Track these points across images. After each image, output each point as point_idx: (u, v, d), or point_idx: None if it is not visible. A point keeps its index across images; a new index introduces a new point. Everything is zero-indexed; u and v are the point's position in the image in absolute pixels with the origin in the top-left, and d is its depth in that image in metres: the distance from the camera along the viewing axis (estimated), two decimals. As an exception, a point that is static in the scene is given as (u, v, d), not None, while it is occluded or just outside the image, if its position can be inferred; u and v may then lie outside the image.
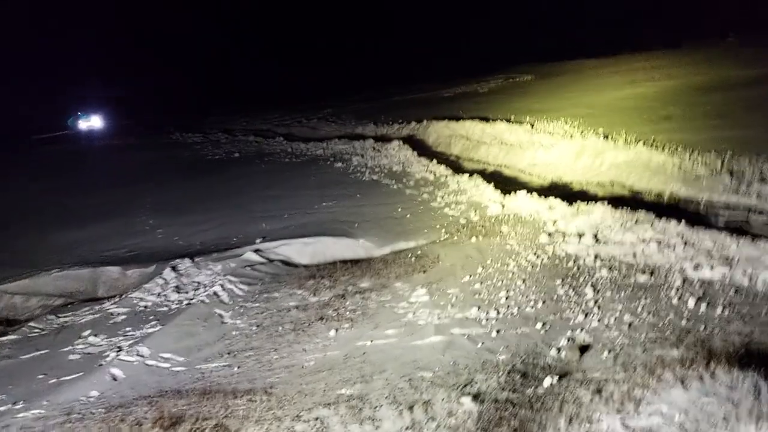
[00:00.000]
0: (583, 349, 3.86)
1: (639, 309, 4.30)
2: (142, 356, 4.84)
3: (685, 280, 4.67)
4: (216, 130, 23.44)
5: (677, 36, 29.39)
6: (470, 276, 5.57)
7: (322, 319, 5.19)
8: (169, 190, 12.15)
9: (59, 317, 6.44)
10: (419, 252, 6.70)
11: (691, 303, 4.24)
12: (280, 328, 5.16)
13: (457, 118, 14.98)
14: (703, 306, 4.15)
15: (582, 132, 11.39)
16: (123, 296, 6.64)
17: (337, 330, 4.89)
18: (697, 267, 4.77)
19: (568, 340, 4.02)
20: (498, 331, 4.34)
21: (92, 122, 39.22)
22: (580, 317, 4.34)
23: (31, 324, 6.28)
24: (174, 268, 6.94)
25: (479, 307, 4.81)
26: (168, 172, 14.34)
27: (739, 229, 5.95)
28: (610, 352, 3.76)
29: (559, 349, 3.92)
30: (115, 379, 4.55)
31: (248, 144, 17.90)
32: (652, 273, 4.92)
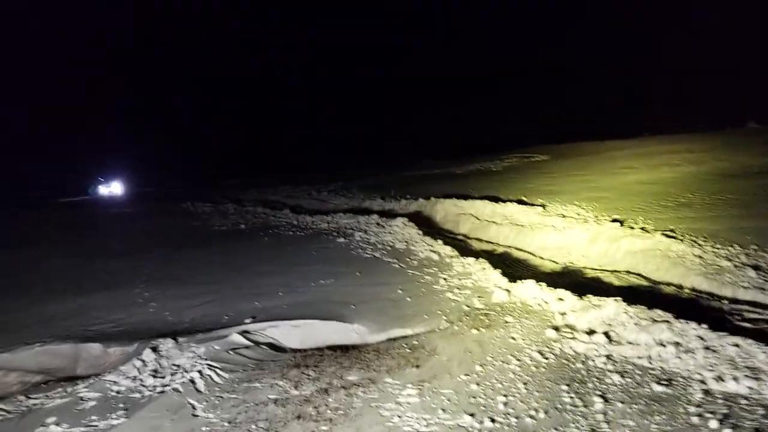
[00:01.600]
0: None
1: (653, 427, 3.77)
2: (96, 454, 4.35)
3: (706, 393, 4.14)
4: (227, 200, 23.37)
5: (697, 120, 29.40)
6: (467, 374, 5.06)
7: (299, 417, 4.69)
8: (170, 262, 11.81)
9: (29, 398, 5.99)
10: (415, 342, 6.21)
11: (714, 424, 3.71)
12: (253, 426, 4.65)
13: (466, 197, 14.69)
14: (726, 430, 3.61)
15: (597, 216, 11.01)
16: (97, 378, 6.17)
17: (313, 433, 4.38)
18: (719, 378, 4.24)
19: (571, 465, 3.49)
20: (492, 447, 3.82)
21: (112, 188, 39.68)
22: (586, 434, 3.81)
23: (-2, 405, 5.81)
24: (155, 349, 6.49)
25: (473, 415, 4.29)
26: (172, 243, 14.05)
27: (766, 334, 5.43)
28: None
29: (559, 477, 3.39)
30: (60, 481, 4.05)
31: (256, 215, 17.67)
32: (669, 382, 4.39)
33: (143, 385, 5.71)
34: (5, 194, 35.84)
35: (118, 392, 5.63)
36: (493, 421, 4.17)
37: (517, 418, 4.18)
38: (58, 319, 8.55)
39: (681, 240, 8.56)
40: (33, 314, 8.93)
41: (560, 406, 4.26)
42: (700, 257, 7.79)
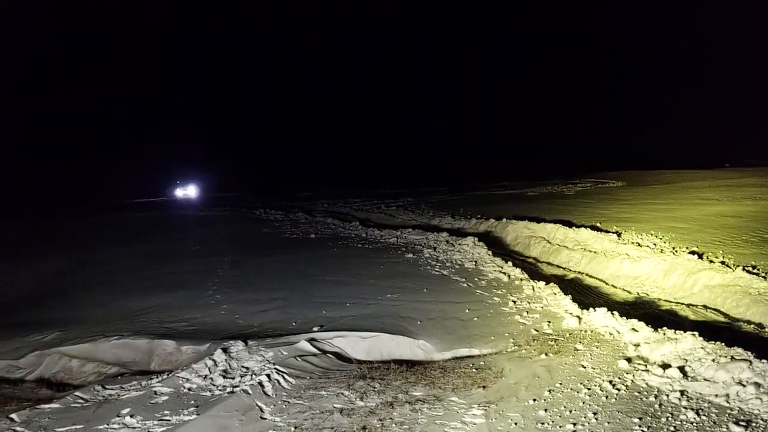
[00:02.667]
0: None
1: (731, 470, 3.62)
2: (169, 448, 4.52)
3: (789, 438, 3.95)
4: (298, 210, 23.84)
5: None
6: (535, 399, 4.99)
7: (364, 429, 4.73)
8: (241, 266, 12.14)
9: (106, 388, 6.24)
10: (482, 362, 6.17)
11: (798, 472, 3.53)
12: (319, 433, 4.73)
13: (539, 219, 14.50)
14: (812, 479, 3.44)
15: (674, 247, 10.68)
16: (171, 374, 6.40)
17: (378, 445, 4.42)
18: (805, 424, 4.04)
19: (642, 501, 3.39)
20: (559, 475, 3.76)
21: (188, 191, 41.01)
22: (659, 471, 3.70)
23: (77, 393, 6.09)
24: (226, 350, 6.69)
25: (541, 440, 4.23)
26: (244, 248, 14.44)
27: None
28: None
29: None
30: (135, 470, 4.23)
31: (326, 226, 17.96)
32: (747, 424, 4.21)
33: (213, 384, 5.89)
34: (91, 194, 37.69)
35: (189, 389, 5.82)
36: (561, 448, 4.10)
37: (586, 447, 4.10)
38: (135, 315, 8.93)
39: (764, 277, 8.20)
40: (113, 309, 9.37)
41: (631, 440, 4.15)
42: (785, 296, 7.44)
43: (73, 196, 38.06)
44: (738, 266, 8.87)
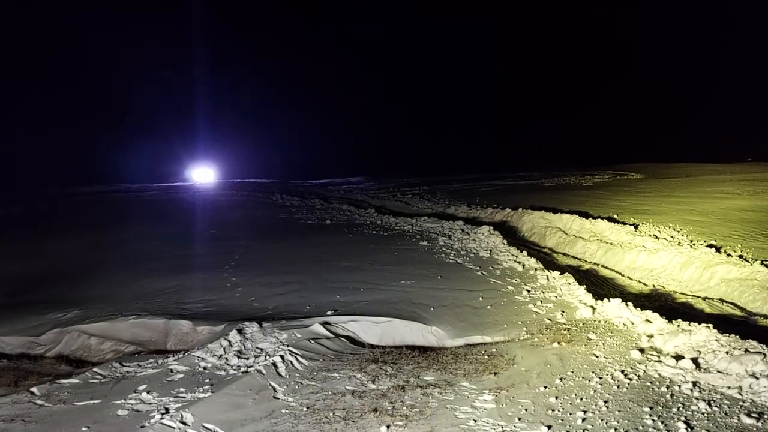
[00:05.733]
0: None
1: (741, 460, 3.63)
2: (184, 423, 4.60)
3: (801, 431, 3.94)
4: (314, 196, 23.92)
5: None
6: (546, 387, 5.01)
7: (376, 411, 4.78)
8: (257, 250, 12.23)
9: (123, 365, 6.36)
10: (494, 349, 6.20)
11: (808, 464, 3.53)
12: (331, 414, 4.78)
13: (555, 210, 14.44)
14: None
15: (691, 240, 10.59)
16: (187, 353, 6.49)
17: (388, 427, 4.46)
18: (817, 417, 4.02)
19: (650, 487, 3.41)
20: (567, 460, 3.78)
21: (205, 175, 41.14)
22: (668, 459, 3.71)
23: (95, 369, 6.21)
24: (240, 331, 6.77)
25: (550, 427, 4.25)
26: (260, 232, 14.53)
27: None
28: None
29: (637, 498, 3.32)
30: (151, 445, 4.32)
31: (341, 212, 18.01)
32: (759, 416, 4.20)
33: (228, 364, 5.97)
34: (109, 177, 37.83)
35: (204, 368, 5.91)
36: (570, 435, 4.12)
37: (595, 434, 4.12)
38: (152, 296, 9.06)
39: (783, 272, 8.12)
40: (131, 290, 9.51)
41: (641, 428, 4.15)
42: (803, 291, 7.38)
43: (77, 177, 37.50)
44: (756, 260, 8.78)
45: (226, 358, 6.13)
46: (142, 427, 4.55)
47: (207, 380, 5.57)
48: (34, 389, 5.49)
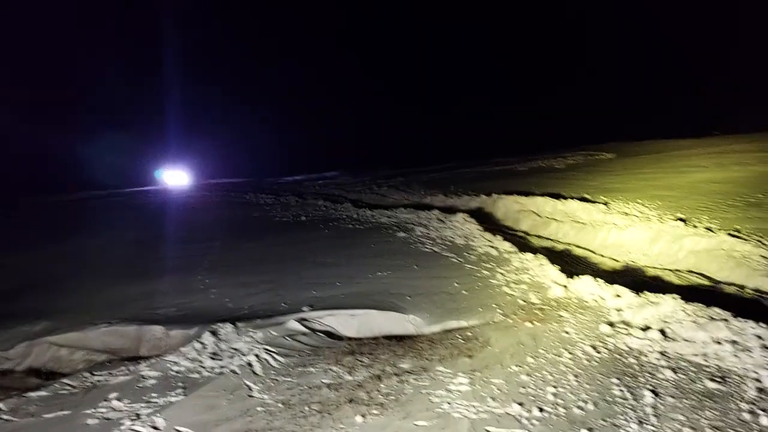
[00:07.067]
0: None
1: (703, 422, 3.71)
2: (156, 428, 4.58)
3: (761, 390, 4.03)
4: (288, 193, 23.79)
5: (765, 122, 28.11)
6: (519, 366, 5.06)
7: (351, 401, 4.80)
8: (231, 250, 12.16)
9: (94, 374, 6.30)
10: (469, 333, 6.24)
11: (765, 421, 3.64)
12: (307, 408, 4.79)
13: (527, 193, 14.54)
14: (781, 427, 3.53)
15: (660, 215, 10.75)
16: (158, 358, 6.45)
17: (364, 416, 4.48)
18: (778, 377, 4.12)
19: (617, 455, 3.47)
20: (538, 435, 3.83)
21: (177, 178, 40.60)
22: (634, 426, 3.78)
23: (65, 380, 6.15)
24: (214, 333, 6.73)
25: (522, 404, 4.30)
26: (234, 233, 14.45)
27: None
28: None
29: (604, 466, 3.37)
30: (123, 451, 4.29)
31: (317, 208, 17.94)
32: (723, 380, 4.29)
33: (202, 366, 5.94)
34: (74, 181, 36.96)
35: (177, 372, 5.87)
36: (541, 410, 4.17)
37: (565, 408, 4.17)
38: (124, 302, 8.96)
39: (747, 240, 8.27)
40: (101, 297, 9.39)
41: (610, 399, 4.22)
42: (766, 258, 7.51)
43: (40, 184, 35.77)
44: (722, 230, 8.94)
45: (200, 361, 6.09)
46: (113, 435, 4.52)
47: (180, 384, 5.54)
48: (0, 404, 5.42)
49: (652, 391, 4.22)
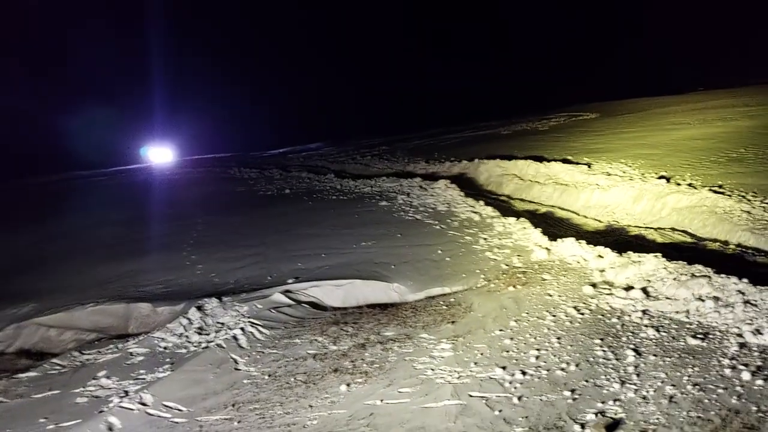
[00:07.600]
0: (612, 427, 3.34)
1: (684, 379, 3.76)
2: (144, 404, 4.59)
3: (742, 346, 4.09)
4: (272, 166, 23.64)
5: (755, 75, 28.12)
6: (501, 330, 5.10)
7: (336, 371, 4.83)
8: (216, 226, 12.11)
9: (83, 353, 6.32)
10: (452, 299, 6.28)
11: (746, 376, 3.67)
12: (292, 379, 4.82)
13: (510, 157, 14.52)
14: (759, 380, 3.58)
15: (643, 173, 10.78)
16: (146, 335, 6.46)
17: (349, 385, 4.52)
18: (757, 331, 4.18)
19: (597, 414, 3.51)
20: (520, 398, 3.88)
21: (163, 154, 40.14)
22: (616, 386, 3.82)
23: (54, 360, 6.16)
24: (200, 308, 6.73)
25: (505, 368, 4.34)
26: (219, 208, 14.38)
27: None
28: (642, 432, 3.24)
29: (583, 425, 3.42)
30: (111, 429, 4.31)
31: (300, 180, 17.85)
32: (705, 336, 4.35)
33: (189, 342, 5.96)
34: (54, 160, 36.45)
35: (165, 348, 5.89)
36: (524, 373, 4.22)
37: (548, 370, 4.22)
38: (111, 281, 8.93)
39: (729, 196, 8.33)
40: (89, 277, 9.36)
41: (592, 360, 4.27)
42: (748, 212, 7.57)
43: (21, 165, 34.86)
44: (705, 187, 8.99)
45: (187, 336, 6.11)
46: (101, 412, 4.53)
47: (167, 359, 5.55)
48: (-10, 387, 5.42)
49: (635, 350, 4.27)
